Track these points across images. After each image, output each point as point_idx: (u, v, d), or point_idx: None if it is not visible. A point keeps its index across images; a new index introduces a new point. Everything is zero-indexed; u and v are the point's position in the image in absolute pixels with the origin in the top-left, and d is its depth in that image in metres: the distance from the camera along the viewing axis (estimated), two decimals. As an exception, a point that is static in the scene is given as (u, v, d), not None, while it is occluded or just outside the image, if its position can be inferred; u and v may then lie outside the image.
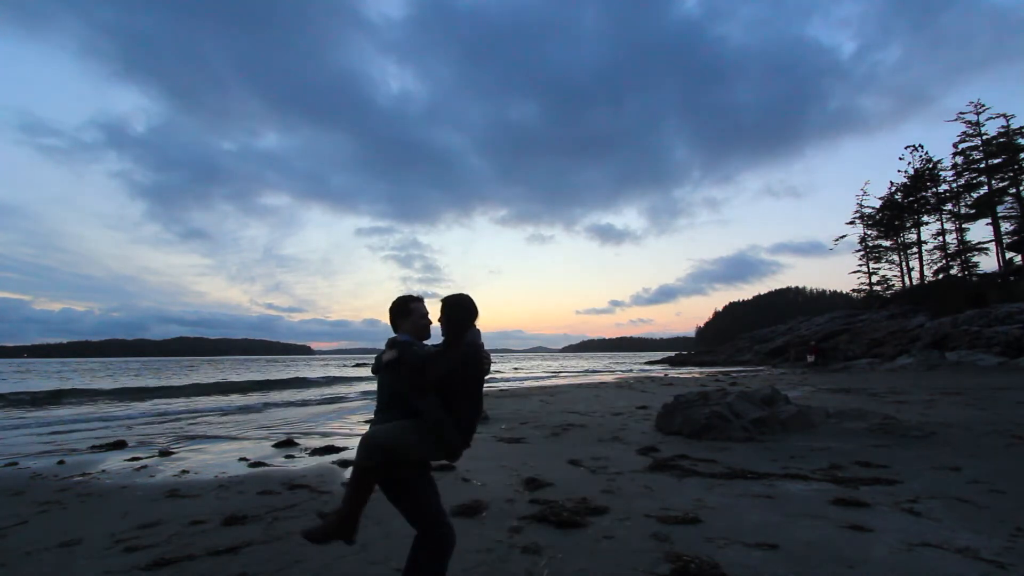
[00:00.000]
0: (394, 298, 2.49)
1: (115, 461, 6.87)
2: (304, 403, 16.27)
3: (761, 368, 34.02)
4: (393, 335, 2.43)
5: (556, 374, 37.15)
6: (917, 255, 44.81)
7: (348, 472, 5.78)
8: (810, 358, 30.65)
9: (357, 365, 67.64)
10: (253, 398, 18.68)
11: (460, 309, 2.32)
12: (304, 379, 29.67)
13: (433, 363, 2.15)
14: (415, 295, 2.50)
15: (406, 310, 2.43)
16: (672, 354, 72.26)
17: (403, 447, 2.12)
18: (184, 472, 6.01)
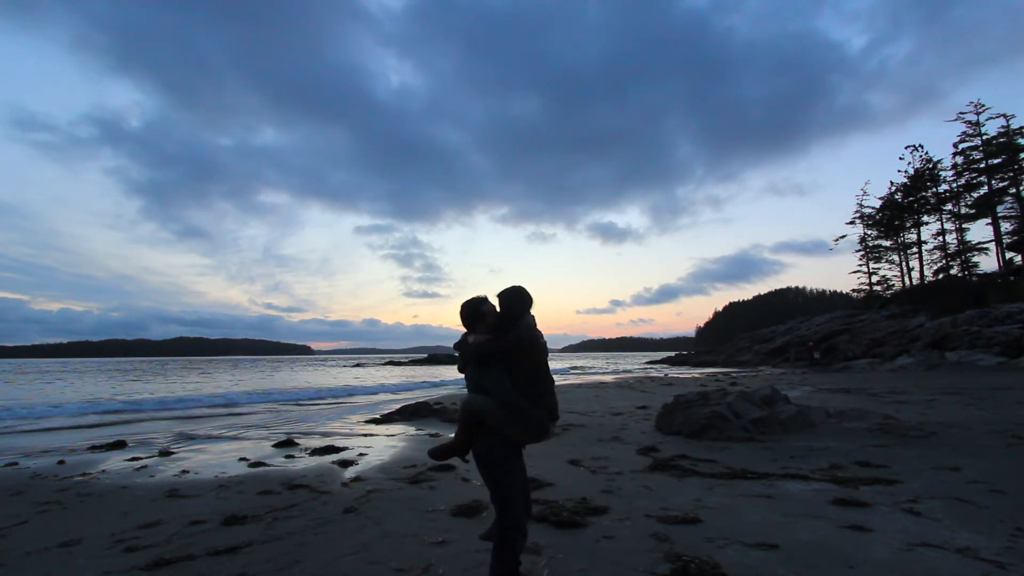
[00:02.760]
0: (465, 301, 2.64)
1: (115, 461, 6.87)
2: (300, 403, 16.26)
3: (761, 368, 34.03)
4: (470, 336, 2.60)
5: (556, 374, 37.22)
6: (917, 255, 44.83)
7: (348, 472, 5.79)
8: (816, 355, 30.41)
9: (357, 365, 67.61)
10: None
11: (514, 299, 2.55)
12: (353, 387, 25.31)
13: (489, 340, 2.41)
14: (481, 296, 2.65)
15: (480, 313, 2.59)
16: (672, 354, 72.27)
17: (491, 416, 2.37)
18: (184, 472, 6.01)
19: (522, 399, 2.36)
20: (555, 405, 2.54)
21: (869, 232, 49.63)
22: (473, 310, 2.60)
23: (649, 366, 49.59)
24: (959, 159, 39.95)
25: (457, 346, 2.59)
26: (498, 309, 2.58)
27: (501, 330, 2.50)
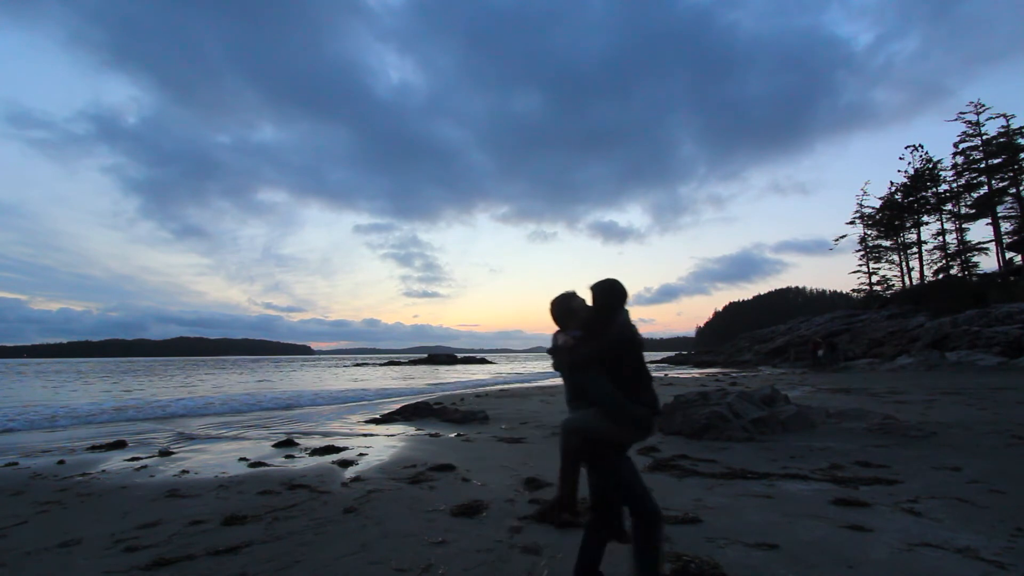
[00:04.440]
0: (554, 298, 2.59)
1: (115, 461, 6.87)
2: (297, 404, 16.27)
3: (761, 368, 34.02)
4: (561, 334, 2.53)
5: (557, 374, 37.17)
6: (917, 255, 44.79)
7: (348, 472, 5.78)
8: (820, 352, 29.95)
9: (357, 365, 67.63)
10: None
11: (609, 294, 2.43)
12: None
13: (583, 342, 2.33)
14: (570, 292, 2.60)
15: (571, 310, 2.53)
16: (672, 354, 72.24)
17: (595, 429, 2.32)
18: (184, 472, 6.01)
19: (624, 398, 2.27)
20: (655, 399, 2.42)
21: (869, 232, 49.62)
22: (564, 307, 2.53)
23: (649, 366, 49.49)
24: (959, 159, 39.95)
25: (552, 351, 2.49)
26: (590, 302, 2.48)
27: (595, 326, 2.40)
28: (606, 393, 2.26)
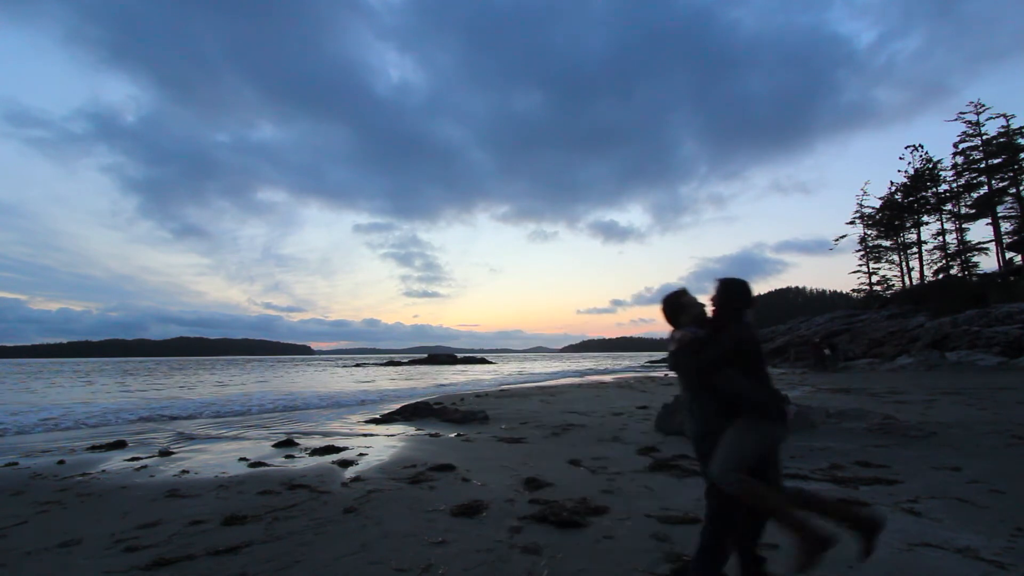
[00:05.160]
0: (665, 296, 2.57)
1: (115, 461, 6.87)
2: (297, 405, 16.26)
3: (761, 368, 33.91)
4: (677, 331, 2.50)
5: (556, 374, 37.19)
6: (917, 255, 44.79)
7: (348, 472, 5.78)
8: (827, 351, 29.67)
9: (357, 365, 67.60)
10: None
11: (737, 294, 2.38)
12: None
13: (708, 344, 2.28)
14: (680, 289, 2.58)
15: (680, 305, 2.50)
16: (672, 354, 72.05)
17: (746, 455, 2.20)
18: (184, 472, 6.01)
19: (761, 391, 2.24)
20: (783, 395, 2.37)
21: (869, 232, 49.62)
22: (674, 304, 2.50)
23: (649, 366, 49.61)
24: (959, 159, 39.96)
25: (675, 351, 2.41)
26: (711, 298, 2.42)
27: (719, 324, 2.37)
28: (746, 386, 2.22)
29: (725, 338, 2.28)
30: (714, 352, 2.25)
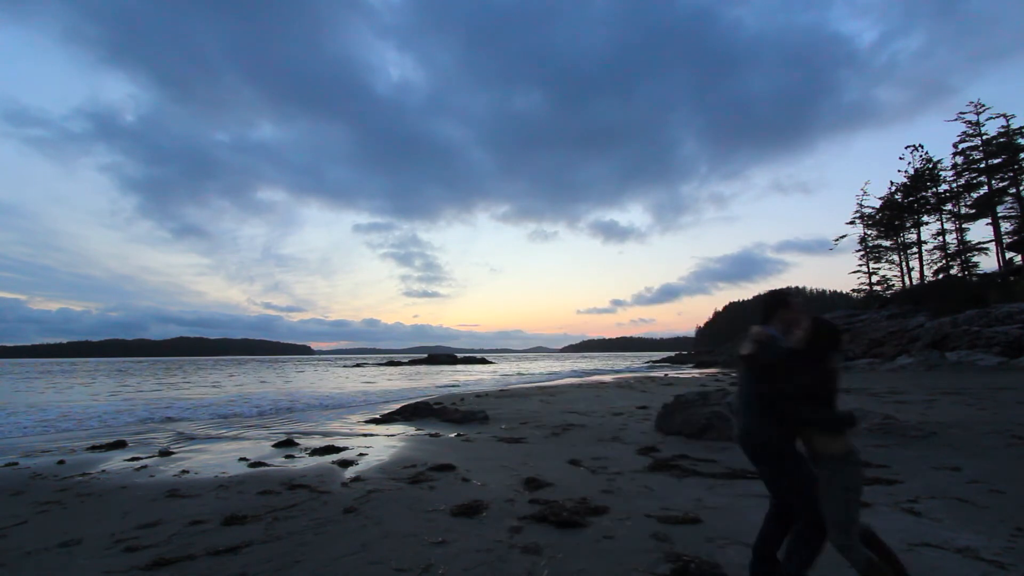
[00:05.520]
0: (777, 289, 2.53)
1: (115, 461, 6.87)
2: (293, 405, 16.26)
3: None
4: (758, 326, 2.47)
5: (556, 374, 37.18)
6: (917, 255, 44.77)
7: (348, 472, 5.77)
8: None
9: (357, 366, 67.61)
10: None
11: (834, 337, 2.34)
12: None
13: (799, 371, 2.24)
14: (792, 289, 2.49)
15: (784, 301, 2.44)
16: (672, 354, 72.24)
17: (853, 508, 2.17)
18: (184, 472, 6.01)
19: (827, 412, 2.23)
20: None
21: (869, 232, 49.61)
22: (780, 300, 2.45)
23: (649, 366, 49.62)
24: (959, 159, 39.96)
25: (757, 345, 2.38)
26: (808, 330, 2.34)
27: (810, 355, 2.30)
28: (819, 412, 2.21)
29: (820, 374, 2.25)
30: (804, 380, 2.23)
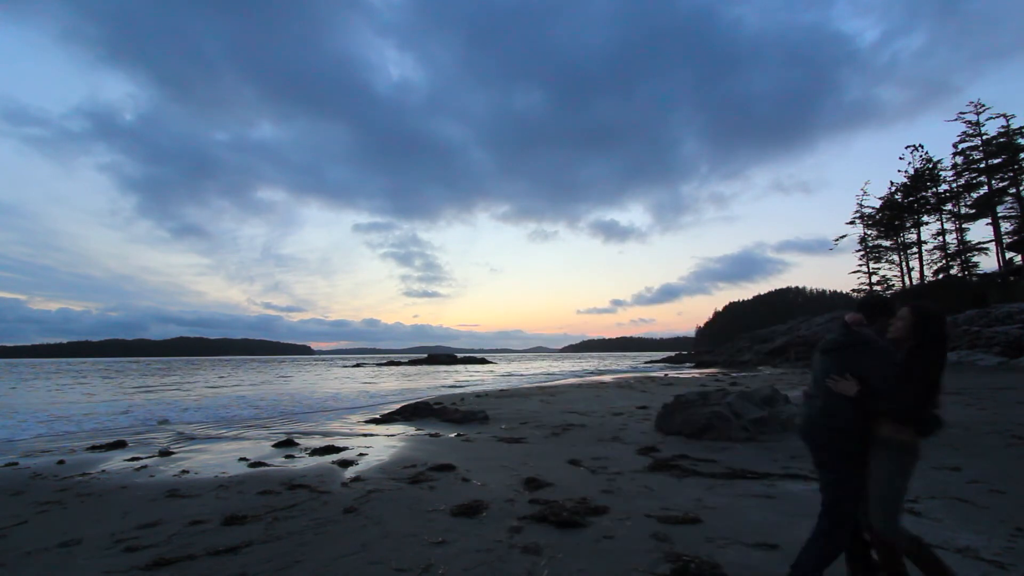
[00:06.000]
0: (886, 297, 2.48)
1: (115, 461, 6.87)
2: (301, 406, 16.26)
3: (761, 368, 34.02)
4: (850, 315, 2.45)
5: (556, 374, 37.18)
6: (917, 255, 44.81)
7: (348, 472, 5.77)
8: None
9: (357, 365, 67.62)
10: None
11: (941, 323, 2.36)
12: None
13: (903, 363, 2.28)
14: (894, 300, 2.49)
15: (891, 310, 2.43)
16: (672, 354, 72.26)
17: (902, 495, 2.23)
18: (184, 472, 6.01)
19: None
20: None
21: (869, 232, 49.64)
22: (887, 304, 2.44)
23: (649, 366, 49.62)
24: (959, 159, 39.98)
25: (849, 336, 2.36)
26: (914, 322, 2.34)
27: (919, 330, 2.32)
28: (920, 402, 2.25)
29: (922, 385, 2.28)
30: (906, 397, 2.23)
